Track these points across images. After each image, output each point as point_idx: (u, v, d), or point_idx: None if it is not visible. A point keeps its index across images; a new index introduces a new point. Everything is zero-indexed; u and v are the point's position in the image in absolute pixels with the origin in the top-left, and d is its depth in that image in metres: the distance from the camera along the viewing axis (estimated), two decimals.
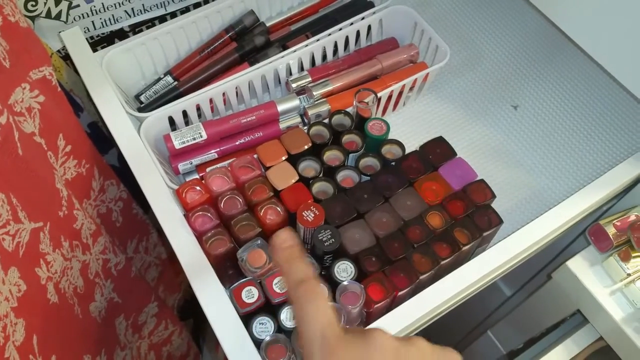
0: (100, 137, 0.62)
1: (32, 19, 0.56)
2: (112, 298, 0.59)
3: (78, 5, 0.58)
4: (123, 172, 0.63)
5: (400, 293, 0.44)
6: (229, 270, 0.47)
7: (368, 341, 0.28)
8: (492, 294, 0.85)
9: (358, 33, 0.61)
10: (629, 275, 0.51)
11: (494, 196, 0.47)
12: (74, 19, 0.59)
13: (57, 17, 0.58)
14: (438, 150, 0.50)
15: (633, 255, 0.51)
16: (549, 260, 0.73)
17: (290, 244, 0.32)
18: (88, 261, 0.53)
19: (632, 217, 0.51)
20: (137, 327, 0.67)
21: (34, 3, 0.55)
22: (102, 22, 0.62)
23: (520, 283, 0.83)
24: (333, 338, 0.28)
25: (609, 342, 0.54)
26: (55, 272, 0.47)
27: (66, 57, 0.60)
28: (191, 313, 0.95)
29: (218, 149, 0.55)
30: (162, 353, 0.77)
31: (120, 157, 0.65)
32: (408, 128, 0.60)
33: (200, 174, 0.54)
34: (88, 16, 0.60)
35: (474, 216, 0.46)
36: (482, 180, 0.48)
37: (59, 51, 0.60)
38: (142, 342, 0.71)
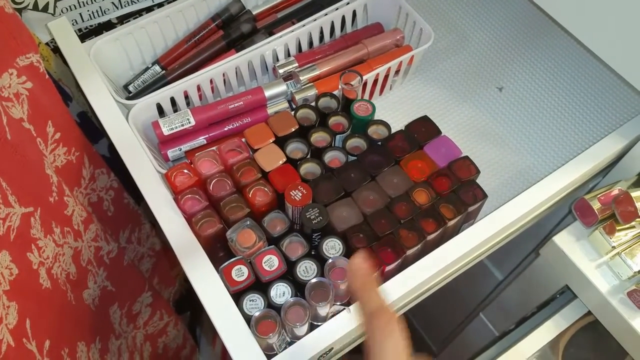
0: (90, 127, 0.62)
1: (19, 11, 0.56)
2: (106, 286, 0.59)
3: None
4: (114, 162, 0.63)
5: (387, 268, 0.44)
6: (219, 250, 0.48)
7: None
8: (485, 278, 0.86)
9: (344, 19, 0.61)
10: (614, 248, 0.52)
11: (478, 172, 0.48)
12: (62, 11, 0.60)
13: (45, 9, 0.58)
14: (423, 129, 0.51)
15: (618, 228, 0.52)
16: (538, 242, 0.74)
17: (364, 272, 0.32)
18: (80, 248, 0.53)
19: (616, 191, 0.52)
20: (131, 316, 0.67)
21: None
22: (89, 14, 0.62)
23: (511, 266, 0.84)
24: None
25: (596, 314, 0.55)
26: (47, 258, 0.48)
27: (55, 50, 0.60)
28: (187, 307, 0.96)
29: (207, 135, 0.55)
30: (158, 344, 0.78)
31: (111, 147, 0.66)
32: (395, 111, 0.61)
33: (190, 160, 0.54)
34: (75, 8, 0.60)
35: (459, 192, 0.47)
36: (466, 157, 0.49)
37: (47, 44, 0.60)
38: (138, 333, 0.71)
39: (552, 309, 0.64)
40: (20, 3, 0.56)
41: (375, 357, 0.30)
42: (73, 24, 0.61)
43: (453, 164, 0.49)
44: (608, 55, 0.50)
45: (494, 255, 0.57)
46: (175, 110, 0.57)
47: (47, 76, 0.49)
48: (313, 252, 0.47)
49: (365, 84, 0.57)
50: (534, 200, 0.49)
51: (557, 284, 0.59)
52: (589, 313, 0.58)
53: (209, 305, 0.42)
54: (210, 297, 0.43)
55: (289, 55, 0.60)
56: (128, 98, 0.58)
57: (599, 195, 0.53)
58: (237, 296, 0.43)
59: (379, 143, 0.51)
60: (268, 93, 0.56)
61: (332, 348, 0.44)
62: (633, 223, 0.52)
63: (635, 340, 0.51)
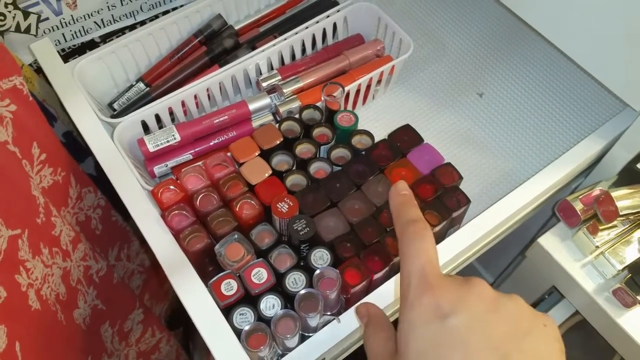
0: (76, 146, 0.62)
1: (2, 33, 0.56)
2: (96, 305, 0.59)
3: (47, 18, 0.59)
4: (101, 181, 0.63)
5: (375, 276, 0.45)
6: (208, 265, 0.48)
7: (468, 286, 0.28)
8: None
9: (325, 31, 0.62)
10: (597, 247, 0.53)
11: (461, 178, 0.49)
12: (44, 32, 0.60)
13: (27, 30, 0.58)
14: (406, 138, 0.51)
15: (600, 228, 0.53)
16: (525, 243, 0.75)
17: (405, 193, 0.33)
18: (69, 268, 0.53)
19: (597, 192, 0.53)
20: (123, 334, 0.67)
21: (2, 17, 0.56)
22: (72, 34, 0.62)
23: (501, 268, 0.85)
24: (432, 276, 0.28)
25: (584, 314, 0.56)
26: (36, 279, 0.48)
27: (38, 71, 0.61)
28: (180, 322, 0.95)
29: (192, 151, 0.56)
30: None
31: (97, 165, 0.65)
32: (379, 120, 0.62)
33: (176, 176, 0.54)
34: (58, 29, 0.61)
35: (443, 198, 0.48)
36: (449, 164, 0.50)
37: (30, 65, 0.61)
38: (130, 350, 0.71)
39: (541, 310, 0.64)
40: (2, 25, 0.56)
41: (402, 258, 0.30)
42: (56, 44, 0.62)
43: (436, 170, 0.49)
44: (584, 59, 0.52)
45: (483, 258, 0.58)
46: (160, 127, 0.57)
47: (30, 98, 0.49)
48: (302, 263, 0.47)
49: (347, 95, 0.58)
50: (516, 204, 0.50)
51: (544, 285, 0.60)
52: (577, 313, 0.59)
53: (199, 321, 0.42)
54: (200, 312, 0.43)
55: (272, 68, 0.60)
56: (113, 116, 0.59)
57: (580, 196, 0.54)
58: (227, 310, 0.44)
59: (363, 152, 0.51)
60: (252, 106, 0.57)
61: (324, 358, 0.44)
62: (615, 222, 0.53)
63: (622, 338, 0.52)
